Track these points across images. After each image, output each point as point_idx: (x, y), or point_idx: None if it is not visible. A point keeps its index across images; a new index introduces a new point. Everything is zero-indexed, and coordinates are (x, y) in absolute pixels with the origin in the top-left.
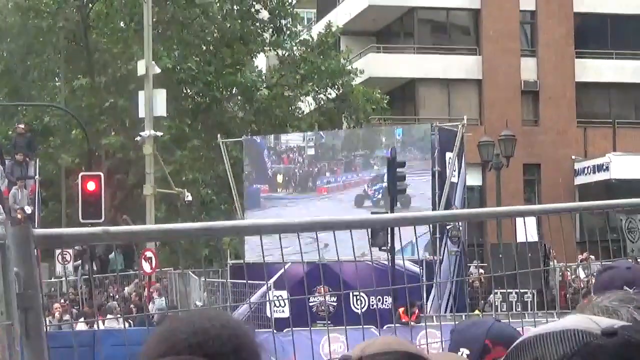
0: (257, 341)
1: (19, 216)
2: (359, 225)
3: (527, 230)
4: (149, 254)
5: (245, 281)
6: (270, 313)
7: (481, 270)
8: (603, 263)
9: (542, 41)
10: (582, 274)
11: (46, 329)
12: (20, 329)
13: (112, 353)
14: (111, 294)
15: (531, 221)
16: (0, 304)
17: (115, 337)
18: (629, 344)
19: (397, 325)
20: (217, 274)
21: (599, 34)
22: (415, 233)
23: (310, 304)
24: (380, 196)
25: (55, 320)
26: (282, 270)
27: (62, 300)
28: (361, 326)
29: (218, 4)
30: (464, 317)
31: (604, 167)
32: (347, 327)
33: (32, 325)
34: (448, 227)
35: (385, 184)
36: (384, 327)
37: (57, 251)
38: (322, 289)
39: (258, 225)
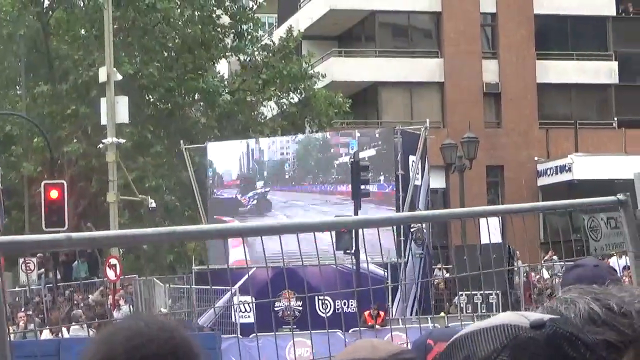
0: (194, 342)
1: None
2: (324, 228)
3: (490, 232)
4: (113, 261)
5: (209, 287)
6: (236, 318)
7: (446, 273)
8: (567, 262)
9: (503, 43)
10: (546, 275)
11: (10, 337)
12: None
13: None
14: (76, 302)
15: (495, 222)
16: None
17: (81, 345)
18: (557, 335)
19: (362, 328)
20: (182, 280)
21: (559, 36)
22: (379, 235)
23: (276, 309)
24: (255, 202)
25: (19, 329)
26: (246, 277)
27: (24, 310)
28: (326, 330)
29: (179, 10)
30: (429, 319)
31: (567, 168)
32: (312, 331)
33: None
34: (412, 229)
35: (258, 191)
36: (350, 331)
37: (21, 260)
38: (287, 293)
39: (221, 229)
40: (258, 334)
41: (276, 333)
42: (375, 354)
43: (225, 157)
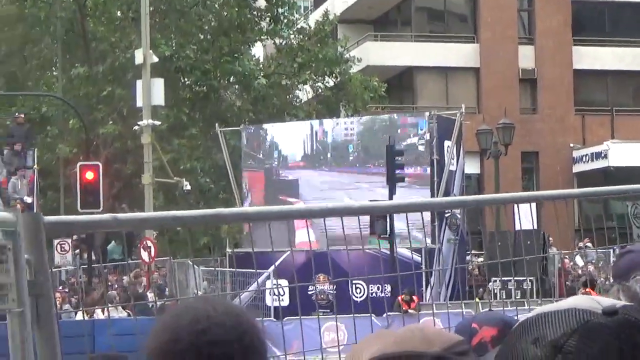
0: (261, 328)
1: (18, 206)
2: (359, 212)
3: (525, 218)
4: (148, 243)
5: (245, 270)
6: (271, 301)
7: (480, 259)
8: (600, 250)
9: (540, 29)
10: (580, 262)
11: (57, 316)
12: (32, 315)
13: (113, 342)
14: (110, 284)
15: (529, 209)
16: (11, 291)
17: (116, 326)
18: (629, 323)
19: (397, 313)
20: (216, 263)
21: (596, 22)
22: (407, 220)
23: (309, 293)
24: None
25: (56, 310)
26: (282, 258)
27: (61, 288)
28: (360, 314)
29: None
30: (462, 305)
31: (602, 155)
32: (348, 315)
33: (43, 312)
34: (447, 215)
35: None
36: (384, 315)
37: (56, 241)
38: (321, 277)
39: (263, 212)
40: (292, 317)
41: (313, 317)
42: (429, 346)
43: (290, 138)
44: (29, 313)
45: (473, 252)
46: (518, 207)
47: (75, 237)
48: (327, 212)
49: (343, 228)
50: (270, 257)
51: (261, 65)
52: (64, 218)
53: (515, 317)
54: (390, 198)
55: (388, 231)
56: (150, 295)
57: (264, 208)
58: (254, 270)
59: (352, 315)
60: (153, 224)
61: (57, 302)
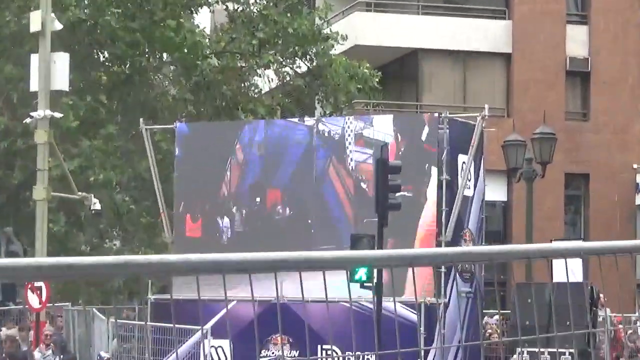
0: None
1: None
2: (335, 265)
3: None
4: (38, 282)
5: (172, 325)
6: None
7: (496, 317)
8: None
9: (597, 4)
10: None
11: None
12: None
13: None
14: None
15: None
16: None
17: None
18: None
19: None
20: (133, 313)
21: None
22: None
23: None
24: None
25: None
26: (224, 311)
27: None
28: None
29: None
30: None
31: None
32: None
33: None
34: None
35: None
36: None
37: None
38: (278, 338)
39: (192, 261)
40: None
41: None
42: None
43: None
44: None
45: (492, 311)
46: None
47: None
48: (293, 264)
49: (324, 277)
50: (208, 308)
51: (207, 40)
52: None
53: None
54: (380, 232)
55: (373, 278)
56: (37, 356)
57: (191, 257)
58: (185, 327)
59: None
60: (37, 275)
61: None
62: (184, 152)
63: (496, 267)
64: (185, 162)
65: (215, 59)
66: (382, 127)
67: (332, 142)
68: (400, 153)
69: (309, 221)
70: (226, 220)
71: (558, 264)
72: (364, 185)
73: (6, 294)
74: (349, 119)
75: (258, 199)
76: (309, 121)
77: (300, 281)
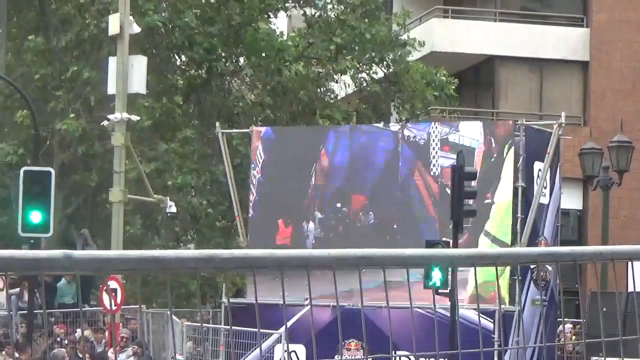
0: None
1: None
2: (413, 262)
3: None
4: (112, 284)
5: (245, 329)
6: None
7: (569, 326)
8: None
9: None
10: None
11: None
12: None
13: None
14: (58, 338)
15: None
16: None
17: None
18: None
19: None
20: (207, 316)
21: None
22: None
23: None
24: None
25: None
26: (299, 315)
27: None
28: None
29: None
30: None
31: None
32: None
33: None
34: (532, 266)
35: None
36: None
37: None
38: (352, 344)
39: (277, 257)
40: None
41: None
42: None
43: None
44: None
45: (567, 320)
46: (632, 263)
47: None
48: (364, 261)
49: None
50: (281, 313)
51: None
52: None
53: None
54: (455, 239)
55: (449, 285)
56: (111, 357)
57: (276, 252)
58: (258, 330)
59: None
60: (123, 267)
61: None
62: (269, 156)
63: (571, 274)
64: (271, 167)
65: (301, 66)
66: (468, 132)
67: (418, 148)
68: (492, 160)
69: (395, 226)
70: (311, 225)
71: (633, 271)
72: (449, 191)
73: (82, 295)
74: (434, 124)
75: (339, 204)
76: (394, 127)
77: (385, 285)
